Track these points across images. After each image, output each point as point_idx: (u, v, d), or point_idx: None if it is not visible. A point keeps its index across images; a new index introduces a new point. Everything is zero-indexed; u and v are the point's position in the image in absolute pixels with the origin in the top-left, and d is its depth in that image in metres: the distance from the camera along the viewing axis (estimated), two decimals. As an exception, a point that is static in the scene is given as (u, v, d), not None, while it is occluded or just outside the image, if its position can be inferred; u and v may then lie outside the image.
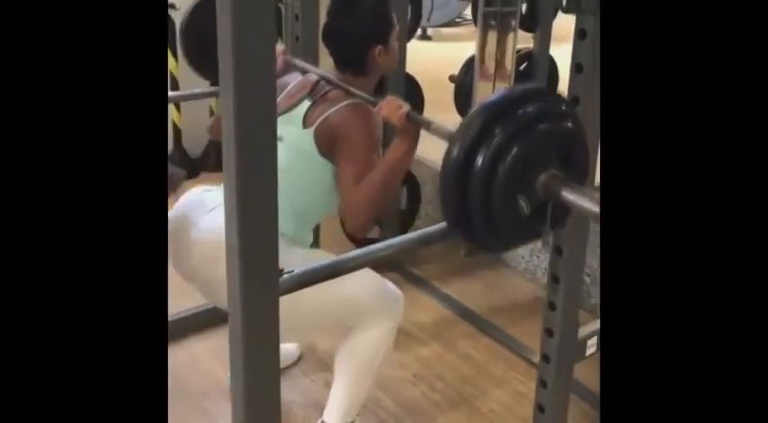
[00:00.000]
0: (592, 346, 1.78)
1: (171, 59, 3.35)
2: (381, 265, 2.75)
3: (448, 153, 1.06)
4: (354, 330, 1.81)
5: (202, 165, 3.59)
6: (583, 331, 1.76)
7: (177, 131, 3.54)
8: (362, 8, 1.79)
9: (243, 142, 1.02)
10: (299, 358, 2.32)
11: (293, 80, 1.90)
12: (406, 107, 1.61)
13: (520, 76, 2.77)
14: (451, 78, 2.83)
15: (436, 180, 2.98)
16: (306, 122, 1.75)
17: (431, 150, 3.03)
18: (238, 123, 1.00)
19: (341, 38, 1.81)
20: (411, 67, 2.68)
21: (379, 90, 2.53)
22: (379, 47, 1.79)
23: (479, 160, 1.03)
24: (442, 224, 1.43)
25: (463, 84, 2.76)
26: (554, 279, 1.64)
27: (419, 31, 5.95)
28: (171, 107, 3.44)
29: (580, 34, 1.42)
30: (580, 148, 1.15)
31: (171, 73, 3.38)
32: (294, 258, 1.68)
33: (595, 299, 2.53)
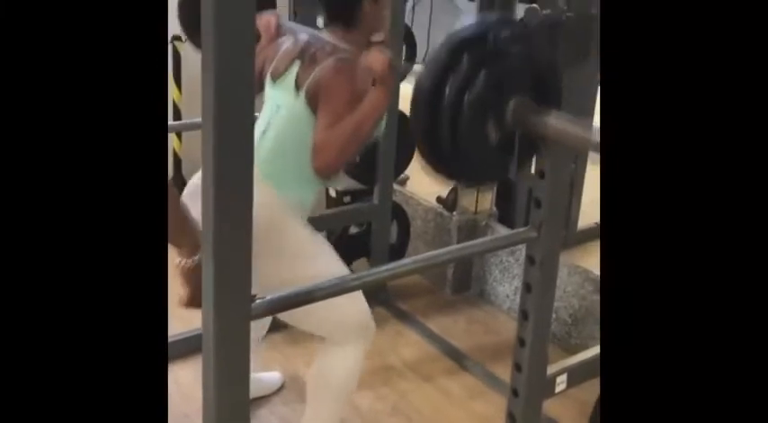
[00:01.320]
0: (561, 382, 1.82)
1: (174, 89, 3.45)
2: (367, 297, 2.82)
3: (417, 82, 1.06)
4: (328, 350, 1.85)
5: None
6: (553, 368, 1.80)
7: (177, 160, 3.61)
8: None
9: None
10: (282, 387, 2.36)
11: (287, 43, 1.92)
12: (388, 56, 1.65)
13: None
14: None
15: (427, 217, 3.04)
16: (298, 86, 1.79)
17: (422, 190, 3.13)
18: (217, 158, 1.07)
19: None
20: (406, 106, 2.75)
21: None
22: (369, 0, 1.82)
23: (448, 87, 1.03)
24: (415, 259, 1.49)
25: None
26: (523, 315, 1.69)
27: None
28: (172, 136, 3.52)
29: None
30: (552, 73, 1.13)
31: (174, 102, 3.48)
32: (296, 233, 1.77)
33: (576, 339, 2.57)
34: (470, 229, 2.84)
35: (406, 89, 2.85)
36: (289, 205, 1.81)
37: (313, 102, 1.76)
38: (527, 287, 1.67)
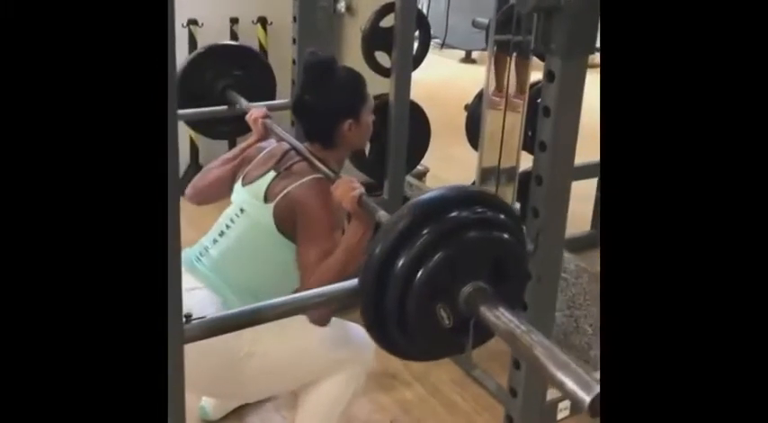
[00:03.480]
0: (564, 409, 1.64)
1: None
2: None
3: (370, 249, 1.00)
4: (318, 382, 1.76)
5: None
6: (554, 393, 1.63)
7: (194, 149, 3.53)
8: (334, 83, 1.74)
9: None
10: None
11: (269, 146, 1.85)
12: (358, 191, 1.54)
13: (535, 109, 2.64)
14: (466, 107, 2.72)
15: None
16: (267, 196, 1.69)
17: (434, 184, 2.96)
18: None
19: (310, 111, 1.76)
20: (444, 91, 2.57)
21: (383, 120, 2.45)
22: (350, 121, 1.73)
23: (400, 261, 0.97)
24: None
25: (474, 113, 2.66)
26: (519, 336, 1.52)
27: (463, 54, 5.88)
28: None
29: (548, 76, 1.31)
30: (516, 263, 1.07)
31: (191, 140, 3.48)
32: (238, 343, 1.65)
33: (596, 350, 2.38)
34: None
35: (419, 77, 2.70)
36: None
37: (281, 219, 1.66)
38: (523, 305, 1.49)
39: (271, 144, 1.86)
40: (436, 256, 0.97)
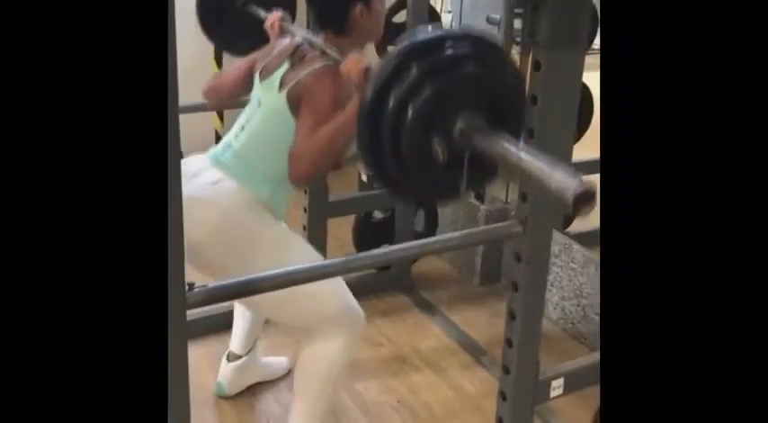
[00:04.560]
0: (557, 387, 1.70)
1: (216, 119, 3.51)
2: (391, 284, 2.75)
3: (364, 91, 1.01)
4: (311, 340, 1.81)
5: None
6: (548, 372, 1.69)
7: (219, 139, 3.64)
8: None
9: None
10: (289, 372, 2.33)
11: (281, 44, 1.89)
12: (366, 63, 1.58)
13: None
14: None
15: (456, 204, 2.93)
16: (281, 85, 1.75)
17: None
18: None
19: None
20: None
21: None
22: (360, 6, 1.75)
23: (391, 97, 0.98)
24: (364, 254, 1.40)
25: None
26: (511, 315, 1.59)
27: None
28: (214, 115, 3.56)
29: (535, 66, 1.38)
30: (512, 98, 1.06)
31: (216, 132, 3.58)
32: (266, 229, 1.73)
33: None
34: (499, 220, 2.72)
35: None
36: (260, 206, 1.75)
37: (294, 104, 1.71)
38: (514, 286, 1.56)
39: (285, 40, 1.90)
40: (427, 90, 0.98)
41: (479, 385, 2.34)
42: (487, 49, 1.05)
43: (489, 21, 2.74)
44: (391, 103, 0.99)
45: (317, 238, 2.47)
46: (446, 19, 5.61)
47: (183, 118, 3.04)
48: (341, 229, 2.82)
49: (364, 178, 3.14)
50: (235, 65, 2.00)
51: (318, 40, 1.79)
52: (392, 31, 2.44)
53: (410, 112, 0.98)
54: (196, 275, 1.32)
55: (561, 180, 0.87)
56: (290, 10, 2.41)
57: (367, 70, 1.57)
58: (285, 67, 1.78)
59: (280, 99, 1.73)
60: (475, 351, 2.48)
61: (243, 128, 1.82)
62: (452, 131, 1.00)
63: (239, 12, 2.31)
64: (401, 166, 1.02)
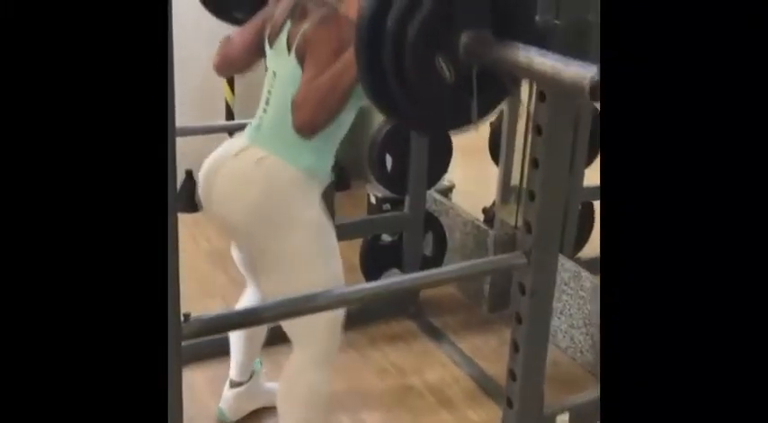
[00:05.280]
0: (563, 422, 1.66)
1: (226, 88, 3.48)
2: (397, 310, 2.71)
3: (360, 9, 0.96)
4: (292, 360, 1.80)
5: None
6: (552, 406, 1.65)
7: (230, 110, 3.61)
8: None
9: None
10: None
11: (282, 3, 1.83)
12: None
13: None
14: (491, 124, 2.76)
15: (466, 229, 2.89)
16: (289, 47, 1.70)
17: (460, 200, 2.99)
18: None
19: None
20: None
21: (405, 136, 2.51)
22: None
23: (390, 16, 0.92)
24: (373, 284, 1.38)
25: (497, 130, 2.70)
26: (514, 347, 1.55)
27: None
28: (225, 85, 3.53)
29: (540, 97, 1.35)
30: (518, 7, 1.00)
31: (226, 102, 3.51)
32: (303, 214, 1.71)
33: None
34: (508, 245, 2.68)
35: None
36: (302, 178, 1.71)
37: (302, 58, 1.66)
38: (518, 318, 1.53)
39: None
40: (427, 4, 0.92)
41: (485, 415, 2.29)
42: None
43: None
44: (390, 21, 0.93)
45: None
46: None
47: (193, 90, 3.07)
48: (348, 252, 2.79)
49: (373, 200, 3.12)
50: (241, 31, 1.91)
51: None
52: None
53: (411, 30, 0.92)
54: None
55: (576, 72, 0.81)
56: None
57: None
58: (288, 25, 1.73)
59: (292, 62, 1.69)
60: (482, 380, 2.44)
61: (267, 101, 1.77)
62: (457, 47, 0.94)
63: None
64: (406, 90, 0.96)
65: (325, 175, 1.80)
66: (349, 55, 1.52)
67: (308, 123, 1.58)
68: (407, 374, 2.47)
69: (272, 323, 1.81)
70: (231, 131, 3.54)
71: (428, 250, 2.79)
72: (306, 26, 1.66)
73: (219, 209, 1.76)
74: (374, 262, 2.71)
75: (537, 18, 1.10)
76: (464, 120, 1.02)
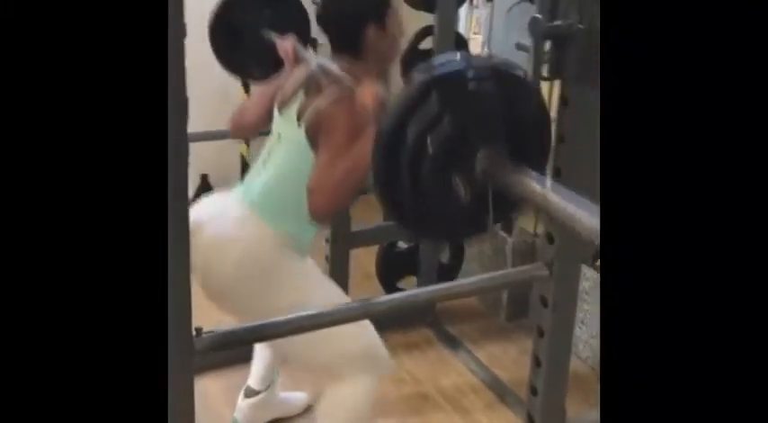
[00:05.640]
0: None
1: (243, 146, 3.49)
2: (413, 319, 2.67)
3: (379, 122, 0.98)
4: (332, 383, 1.76)
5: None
6: (575, 421, 1.61)
7: (245, 165, 3.61)
8: None
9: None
10: (307, 408, 2.27)
11: (297, 72, 1.85)
12: (382, 94, 1.53)
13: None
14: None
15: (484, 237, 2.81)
16: (299, 117, 1.70)
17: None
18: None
19: (333, 17, 1.75)
20: None
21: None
22: (374, 26, 1.69)
23: (409, 130, 0.92)
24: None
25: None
26: (536, 362, 1.51)
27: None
28: (240, 141, 3.54)
29: (563, 101, 1.31)
30: (537, 130, 1.01)
31: (242, 156, 3.54)
32: (291, 268, 1.70)
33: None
34: (527, 254, 2.63)
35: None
36: (284, 242, 1.71)
37: (312, 135, 1.66)
38: (539, 331, 1.49)
39: (302, 69, 1.85)
40: (448, 125, 0.92)
41: (503, 426, 2.25)
42: (511, 81, 1.00)
43: (519, 47, 2.68)
44: (410, 137, 0.94)
45: (339, 269, 2.41)
46: (476, 40, 5.58)
47: (209, 145, 3.05)
48: (365, 259, 2.75)
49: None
50: (255, 96, 1.98)
51: (333, 66, 1.73)
52: (418, 59, 2.40)
53: (430, 149, 0.93)
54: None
55: (588, 223, 0.81)
56: (304, 33, 2.35)
57: (383, 102, 1.51)
58: (301, 96, 1.73)
59: (298, 133, 1.69)
60: (499, 390, 2.39)
61: (265, 163, 1.78)
62: (474, 167, 0.95)
63: (252, 37, 2.26)
64: (420, 203, 0.97)
65: (306, 244, 1.80)
66: (364, 145, 1.50)
67: (323, 210, 1.60)
68: (424, 383, 2.43)
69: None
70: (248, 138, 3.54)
71: (445, 258, 2.75)
72: (319, 103, 1.66)
73: (203, 267, 1.70)
74: (390, 269, 2.68)
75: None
76: (474, 231, 1.04)
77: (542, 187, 0.90)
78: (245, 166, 3.62)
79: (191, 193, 4.23)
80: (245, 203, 1.75)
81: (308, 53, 1.94)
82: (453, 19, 2.42)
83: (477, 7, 3.35)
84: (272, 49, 2.05)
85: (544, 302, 1.45)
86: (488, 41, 2.96)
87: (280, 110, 1.79)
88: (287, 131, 1.74)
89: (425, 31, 2.35)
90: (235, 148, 3.57)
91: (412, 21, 3.30)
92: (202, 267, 1.70)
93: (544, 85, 2.34)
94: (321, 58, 1.85)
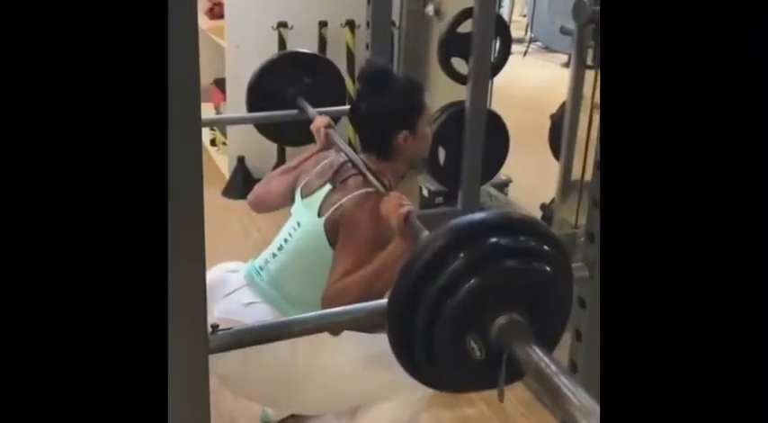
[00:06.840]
0: None
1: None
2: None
3: (402, 269, 0.96)
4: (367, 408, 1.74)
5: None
6: None
7: (281, 149, 3.58)
8: (391, 92, 1.69)
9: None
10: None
11: (328, 157, 1.84)
12: (407, 208, 1.49)
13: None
14: (552, 117, 2.62)
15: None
16: (321, 210, 1.68)
17: (517, 196, 2.86)
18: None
19: (366, 120, 1.73)
20: (541, 97, 2.47)
21: (459, 128, 2.39)
22: (406, 132, 1.69)
23: (431, 286, 0.92)
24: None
25: (558, 124, 2.55)
26: (572, 366, 1.43)
27: (566, 58, 5.68)
28: None
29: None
30: (556, 298, 1.00)
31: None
32: (305, 366, 1.66)
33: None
34: (568, 247, 2.52)
35: (517, 81, 2.61)
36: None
37: (332, 233, 1.63)
38: (577, 335, 1.40)
39: (330, 155, 1.85)
40: (469, 284, 0.92)
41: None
42: (541, 242, 0.97)
43: (563, 31, 2.58)
44: (430, 291, 0.93)
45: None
46: (521, 23, 5.44)
47: (246, 128, 3.04)
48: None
49: (425, 193, 3.02)
50: (280, 173, 1.95)
51: (361, 163, 1.70)
52: (457, 42, 2.31)
53: (448, 305, 0.92)
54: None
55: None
56: (340, 103, 2.36)
57: (408, 214, 1.47)
58: (327, 188, 1.71)
59: (319, 226, 1.66)
60: (535, 387, 2.31)
61: (281, 248, 1.75)
62: (490, 329, 0.94)
63: (288, 104, 2.28)
64: (431, 358, 0.97)
65: None
66: (384, 259, 1.50)
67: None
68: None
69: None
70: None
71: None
72: (344, 200, 1.63)
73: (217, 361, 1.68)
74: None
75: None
76: (485, 386, 1.02)
77: (548, 369, 0.88)
78: (281, 150, 3.58)
79: (227, 174, 4.26)
80: (258, 289, 1.72)
81: (339, 139, 1.90)
82: (494, 1, 2.31)
83: (520, -11, 3.25)
84: (306, 120, 2.07)
85: (582, 304, 1.37)
86: (531, 25, 2.85)
87: (303, 196, 1.76)
88: (307, 220, 1.71)
89: (465, 14, 2.25)
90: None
91: (451, 2, 3.23)
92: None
93: (589, 74, 2.24)
94: (350, 148, 1.82)
